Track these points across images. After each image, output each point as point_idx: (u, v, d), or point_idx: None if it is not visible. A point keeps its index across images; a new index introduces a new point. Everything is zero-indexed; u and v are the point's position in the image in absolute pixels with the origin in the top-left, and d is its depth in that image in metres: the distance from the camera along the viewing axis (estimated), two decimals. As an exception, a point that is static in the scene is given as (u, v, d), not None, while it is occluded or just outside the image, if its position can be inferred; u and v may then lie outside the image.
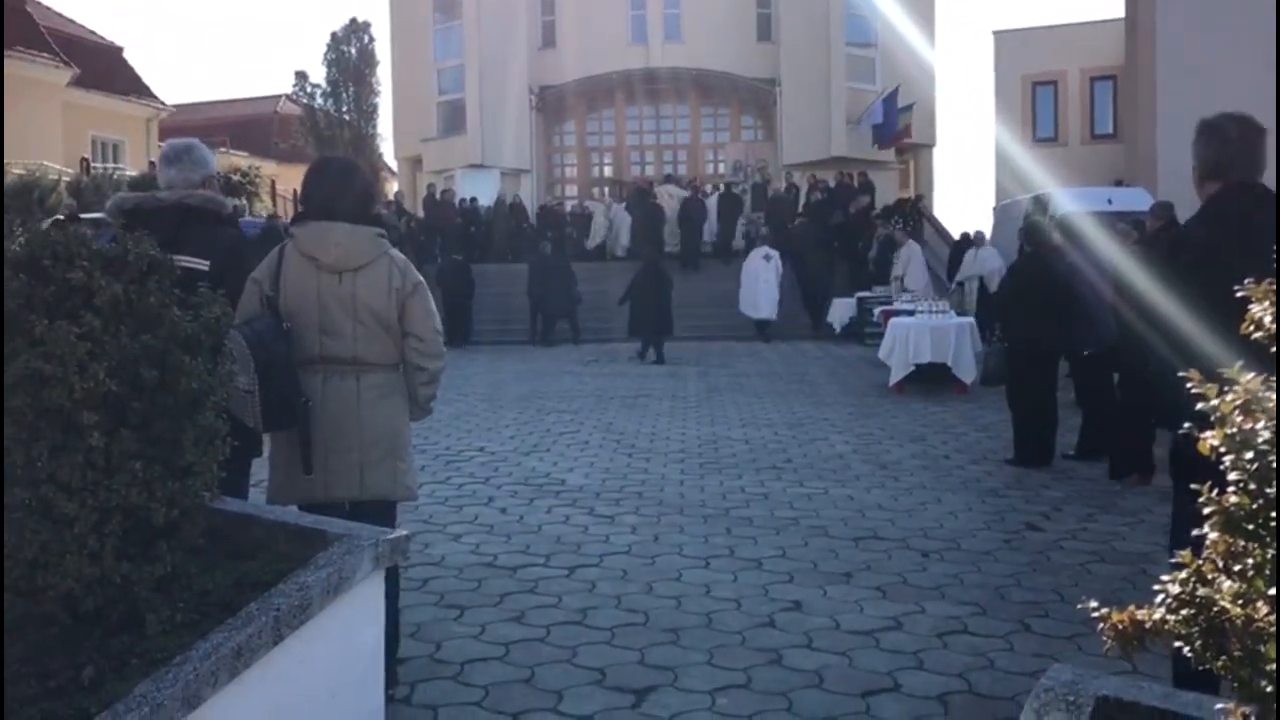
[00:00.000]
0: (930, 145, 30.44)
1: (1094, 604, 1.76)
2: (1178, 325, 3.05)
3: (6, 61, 24.42)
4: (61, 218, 11.19)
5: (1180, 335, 3.00)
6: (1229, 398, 1.57)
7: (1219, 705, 1.70)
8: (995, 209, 25.02)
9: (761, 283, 19.63)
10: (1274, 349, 1.59)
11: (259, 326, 3.49)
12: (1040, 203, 16.10)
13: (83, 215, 12.22)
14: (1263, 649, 1.51)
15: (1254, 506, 1.52)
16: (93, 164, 26.92)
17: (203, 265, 3.83)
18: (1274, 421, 1.52)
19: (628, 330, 17.08)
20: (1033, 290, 8.14)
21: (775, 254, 19.86)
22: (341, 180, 3.80)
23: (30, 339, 2.44)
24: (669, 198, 24.54)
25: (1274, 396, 1.55)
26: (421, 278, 3.85)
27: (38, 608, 2.51)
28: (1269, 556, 1.52)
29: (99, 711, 2.22)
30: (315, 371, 3.64)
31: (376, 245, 3.73)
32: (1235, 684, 1.58)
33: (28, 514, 2.46)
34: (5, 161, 20.61)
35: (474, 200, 25.21)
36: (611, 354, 17.48)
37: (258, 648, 2.48)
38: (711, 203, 25.03)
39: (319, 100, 34.28)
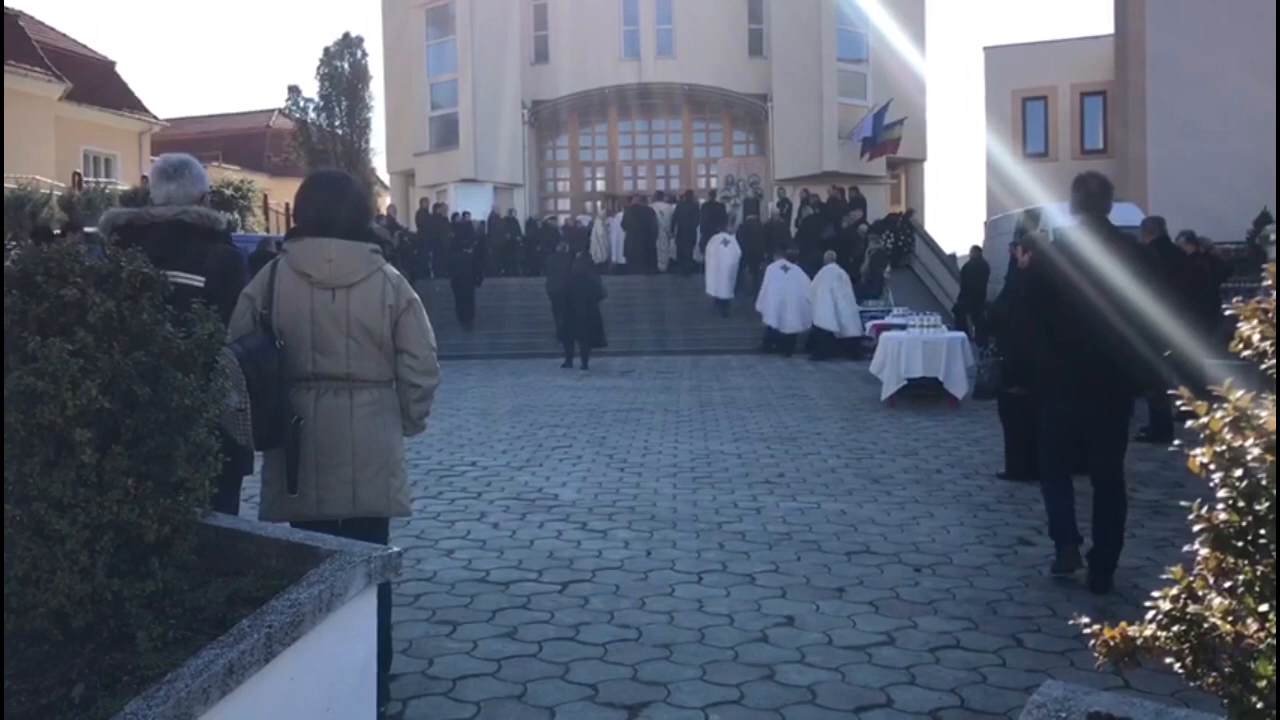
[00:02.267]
0: (921, 160, 30.58)
1: (1086, 619, 1.77)
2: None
3: (-2, 75, 24.46)
4: (58, 232, 11.13)
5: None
6: (1219, 415, 1.58)
7: (1210, 722, 1.71)
8: (986, 223, 25.12)
9: (724, 266, 21.60)
10: (1263, 366, 1.60)
11: (251, 344, 3.47)
12: (1033, 216, 16.19)
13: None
14: (1253, 665, 1.52)
15: (1243, 524, 1.53)
16: (85, 178, 26.89)
17: (197, 281, 3.82)
18: (1263, 439, 1.53)
19: (557, 336, 17.93)
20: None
21: (733, 239, 21.83)
22: (334, 195, 3.78)
23: (23, 355, 2.44)
24: (660, 215, 24.76)
25: (1264, 414, 1.56)
26: (415, 294, 3.84)
27: (29, 624, 2.50)
28: (1259, 573, 1.53)
29: (90, 729, 2.21)
30: (308, 389, 3.63)
31: (370, 261, 3.71)
32: (1226, 700, 1.58)
33: (19, 530, 2.45)
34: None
35: (466, 215, 25.22)
36: (604, 368, 17.49)
37: (250, 665, 2.47)
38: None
39: (312, 114, 34.30)
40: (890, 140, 25.68)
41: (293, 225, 3.90)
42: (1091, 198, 5.52)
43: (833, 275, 18.38)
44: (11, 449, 2.45)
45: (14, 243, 2.78)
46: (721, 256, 21.68)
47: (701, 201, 26.20)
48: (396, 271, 3.82)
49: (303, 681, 2.70)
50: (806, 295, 18.71)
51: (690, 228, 24.41)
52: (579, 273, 17.81)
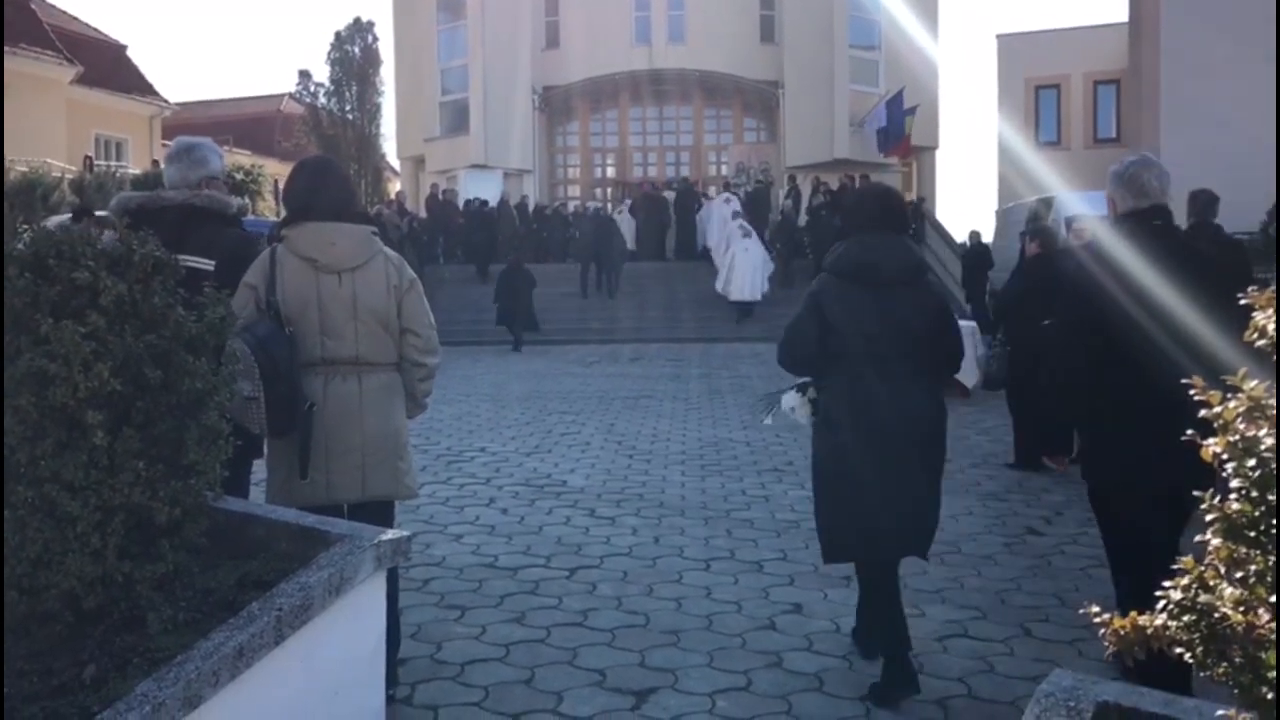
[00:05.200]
0: (933, 148, 30.46)
1: (1095, 609, 1.76)
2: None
3: (10, 58, 24.50)
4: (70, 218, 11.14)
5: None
6: (1232, 405, 1.58)
7: (1220, 712, 1.71)
8: (998, 212, 25.01)
9: (723, 221, 22.63)
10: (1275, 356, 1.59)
11: (260, 332, 3.47)
12: (1047, 205, 16.13)
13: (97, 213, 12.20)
14: (1263, 655, 1.51)
15: (1256, 514, 1.52)
16: (96, 162, 26.95)
17: (208, 265, 3.82)
18: (1276, 429, 1.52)
19: (496, 322, 19.03)
20: (1040, 293, 8.13)
21: (735, 198, 23.24)
22: (317, 178, 3.80)
23: (36, 338, 2.45)
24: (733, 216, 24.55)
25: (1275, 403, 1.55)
26: (415, 274, 3.88)
27: (41, 606, 2.52)
28: (1270, 564, 1.52)
29: (101, 709, 2.22)
30: (317, 374, 3.63)
31: (371, 243, 3.75)
32: (1236, 690, 1.58)
33: (31, 512, 2.47)
34: (8, 159, 20.66)
35: (485, 202, 25.22)
36: (614, 355, 17.50)
37: (259, 647, 2.49)
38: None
39: (322, 99, 34.34)
40: (905, 137, 25.56)
41: (285, 214, 3.92)
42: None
43: (740, 247, 20.43)
44: (24, 431, 2.46)
45: (25, 226, 2.77)
46: (723, 213, 22.66)
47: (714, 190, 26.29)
48: (396, 254, 3.86)
49: (312, 664, 2.71)
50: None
51: (692, 215, 24.46)
52: (514, 264, 19.11)
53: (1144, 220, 3.77)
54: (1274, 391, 1.57)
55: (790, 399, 4.47)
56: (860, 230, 4.07)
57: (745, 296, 20.15)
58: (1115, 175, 3.89)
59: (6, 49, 24.43)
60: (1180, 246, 3.77)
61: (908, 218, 4.32)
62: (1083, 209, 15.72)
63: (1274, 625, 1.51)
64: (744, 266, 20.39)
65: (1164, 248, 3.63)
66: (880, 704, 3.82)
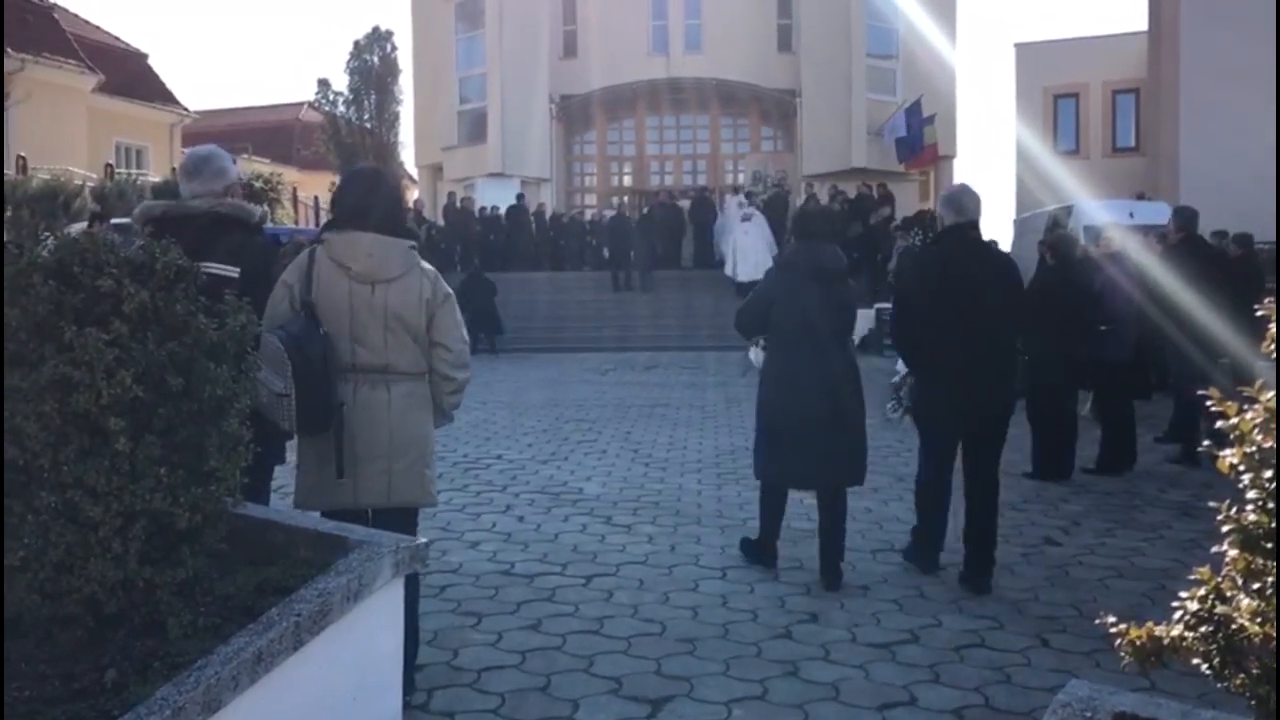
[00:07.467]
0: (951, 157, 30.36)
1: (1112, 619, 1.76)
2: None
3: (33, 67, 24.78)
4: (86, 225, 11.23)
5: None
6: (1249, 416, 1.58)
7: (1237, 723, 1.70)
8: (1015, 221, 24.92)
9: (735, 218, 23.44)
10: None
11: (294, 329, 3.49)
12: (1066, 213, 16.09)
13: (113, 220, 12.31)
14: (1281, 667, 1.51)
15: (1273, 525, 1.52)
16: (116, 170, 27.13)
17: (232, 272, 3.84)
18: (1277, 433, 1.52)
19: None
20: (1058, 302, 8.12)
21: (746, 200, 23.79)
22: (367, 189, 3.81)
23: (60, 345, 2.47)
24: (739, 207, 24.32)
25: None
26: (450, 290, 3.88)
27: (62, 610, 2.54)
28: (1288, 575, 1.52)
29: (121, 713, 2.24)
30: (347, 380, 3.65)
31: (408, 258, 3.75)
32: (1253, 701, 1.58)
33: (54, 517, 2.49)
34: (31, 166, 20.84)
35: (520, 197, 25.30)
36: (630, 363, 17.50)
37: (278, 652, 2.51)
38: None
39: (341, 108, 34.44)
40: (929, 146, 25.48)
41: (330, 217, 3.94)
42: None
43: (740, 230, 21.58)
44: (47, 436, 2.49)
45: (48, 234, 2.81)
46: (734, 210, 23.21)
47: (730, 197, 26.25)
48: (432, 268, 3.87)
49: (330, 670, 2.73)
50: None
51: (707, 224, 24.47)
52: (475, 272, 20.06)
53: (963, 231, 5.41)
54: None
55: (756, 352, 5.96)
56: (809, 238, 5.61)
57: (754, 276, 20.27)
58: (943, 199, 5.65)
59: (30, 58, 24.73)
60: (984, 248, 5.59)
61: (841, 230, 6.32)
62: (1102, 218, 15.65)
63: (1291, 636, 1.51)
64: (746, 248, 20.98)
65: (972, 250, 5.41)
66: (741, 549, 5.78)
